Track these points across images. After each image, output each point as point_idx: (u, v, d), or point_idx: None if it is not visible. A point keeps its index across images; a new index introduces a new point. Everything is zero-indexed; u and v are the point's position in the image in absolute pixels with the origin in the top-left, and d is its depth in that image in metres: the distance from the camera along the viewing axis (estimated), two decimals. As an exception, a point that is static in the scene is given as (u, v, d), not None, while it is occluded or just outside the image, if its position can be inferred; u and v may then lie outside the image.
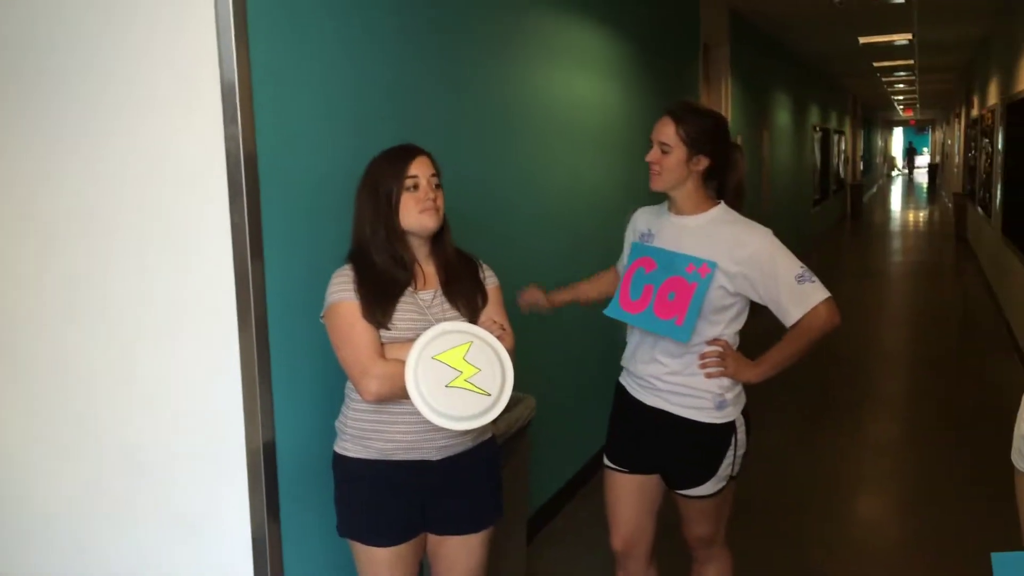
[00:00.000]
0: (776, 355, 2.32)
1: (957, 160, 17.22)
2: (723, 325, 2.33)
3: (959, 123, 16.72)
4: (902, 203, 25.63)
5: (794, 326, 2.27)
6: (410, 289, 2.08)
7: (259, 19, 2.09)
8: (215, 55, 2.03)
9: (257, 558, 2.17)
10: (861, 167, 23.33)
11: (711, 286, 2.26)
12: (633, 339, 2.47)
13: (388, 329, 2.03)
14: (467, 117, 3.16)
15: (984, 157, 10.54)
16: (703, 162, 2.30)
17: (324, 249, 2.27)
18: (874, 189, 28.48)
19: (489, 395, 1.95)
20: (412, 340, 2.00)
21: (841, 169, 18.48)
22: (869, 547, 3.71)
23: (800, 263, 2.29)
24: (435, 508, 2.16)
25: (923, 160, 40.20)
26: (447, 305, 2.11)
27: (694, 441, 2.37)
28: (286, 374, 2.19)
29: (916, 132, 43.53)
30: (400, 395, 1.98)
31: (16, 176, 2.30)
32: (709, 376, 2.32)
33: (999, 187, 8.57)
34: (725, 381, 2.35)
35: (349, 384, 2.12)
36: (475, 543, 2.22)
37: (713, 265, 2.24)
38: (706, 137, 2.29)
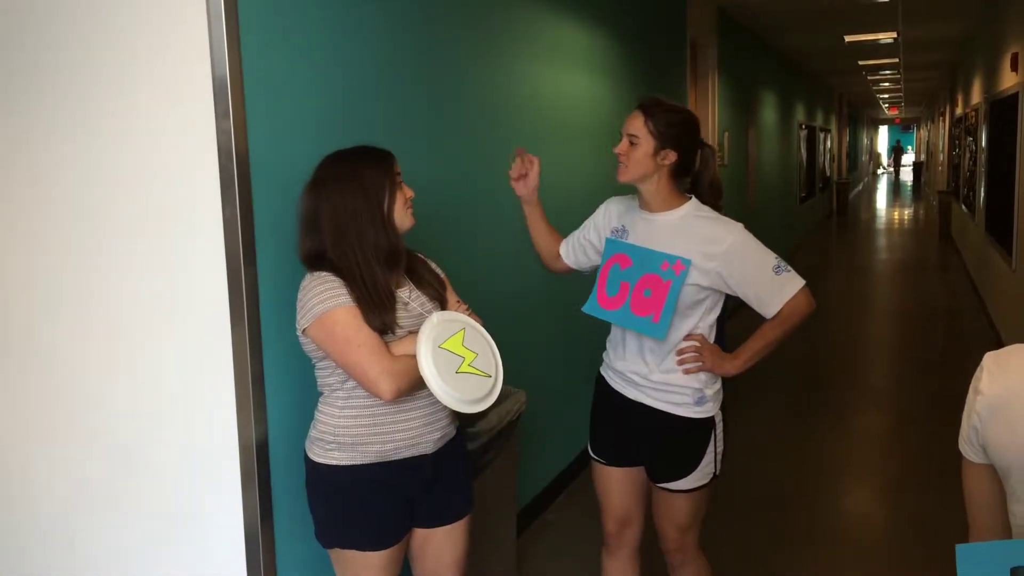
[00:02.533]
0: (754, 345, 2.34)
1: (942, 158, 17.32)
2: (697, 318, 2.35)
3: (944, 121, 16.83)
4: (887, 201, 25.77)
5: (773, 316, 2.30)
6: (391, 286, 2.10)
7: (250, 13, 2.09)
8: (207, 50, 2.03)
9: (250, 555, 2.17)
10: (847, 165, 23.44)
11: (685, 283, 2.27)
12: (616, 333, 2.48)
13: (394, 333, 2.03)
14: (457, 114, 3.17)
15: (968, 155, 10.62)
16: (671, 156, 2.30)
17: (316, 244, 2.28)
18: (860, 187, 28.62)
19: (490, 376, 2.07)
20: (403, 337, 2.04)
21: (827, 167, 18.57)
22: (855, 539, 3.75)
23: (774, 254, 2.31)
24: (423, 502, 2.17)
25: (908, 158, 40.41)
26: (424, 298, 2.14)
27: (674, 435, 2.39)
28: (278, 370, 2.19)
29: (901, 130, 43.77)
30: (415, 387, 2.01)
31: (6, 170, 2.29)
32: (687, 372, 2.34)
33: (982, 185, 8.64)
34: (704, 376, 2.36)
35: (330, 393, 2.09)
36: (459, 532, 2.24)
37: (687, 262, 2.25)
38: (674, 131, 2.29)
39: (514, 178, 2.51)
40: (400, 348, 2.02)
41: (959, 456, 1.55)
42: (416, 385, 2.01)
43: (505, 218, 3.51)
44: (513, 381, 2.91)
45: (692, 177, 2.40)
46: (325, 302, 1.97)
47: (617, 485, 2.53)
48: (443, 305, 2.19)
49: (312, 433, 2.11)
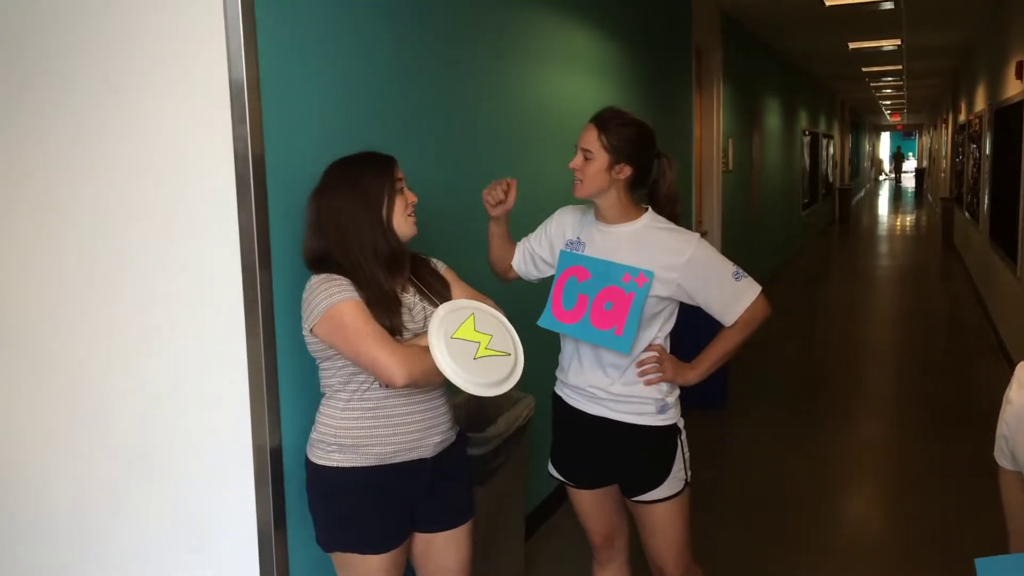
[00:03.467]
0: (714, 353, 2.35)
1: (944, 165, 17.32)
2: (657, 328, 2.34)
3: (946, 128, 16.83)
4: (889, 207, 25.77)
5: (732, 323, 2.31)
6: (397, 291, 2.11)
7: (267, 19, 2.11)
8: (224, 55, 2.04)
9: (263, 559, 2.18)
10: (849, 171, 23.43)
11: (647, 295, 2.25)
12: (568, 349, 2.44)
13: (401, 335, 2.04)
14: (469, 119, 3.18)
15: (971, 162, 10.62)
16: (626, 171, 2.27)
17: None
18: (862, 193, 28.62)
19: (509, 354, 2.07)
20: (410, 340, 2.04)
21: (830, 173, 18.56)
22: (858, 547, 3.74)
23: (731, 262, 2.32)
24: (424, 507, 2.17)
25: (909, 165, 40.37)
26: (426, 302, 2.15)
27: (641, 446, 2.36)
28: (292, 375, 2.20)
29: (903, 137, 43.76)
30: (429, 378, 2.00)
31: (25, 176, 2.30)
32: (649, 383, 2.32)
33: (986, 192, 8.65)
34: (665, 385, 2.35)
35: (332, 394, 2.09)
36: (462, 538, 2.24)
37: (650, 274, 2.23)
38: (629, 146, 2.27)
39: (492, 204, 2.46)
40: (411, 343, 2.03)
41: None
42: (430, 375, 1.99)
43: (514, 222, 3.52)
44: (521, 386, 2.92)
45: (648, 187, 2.39)
46: (332, 296, 1.97)
47: (593, 508, 2.51)
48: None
49: (313, 435, 2.12)
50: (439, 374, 1.99)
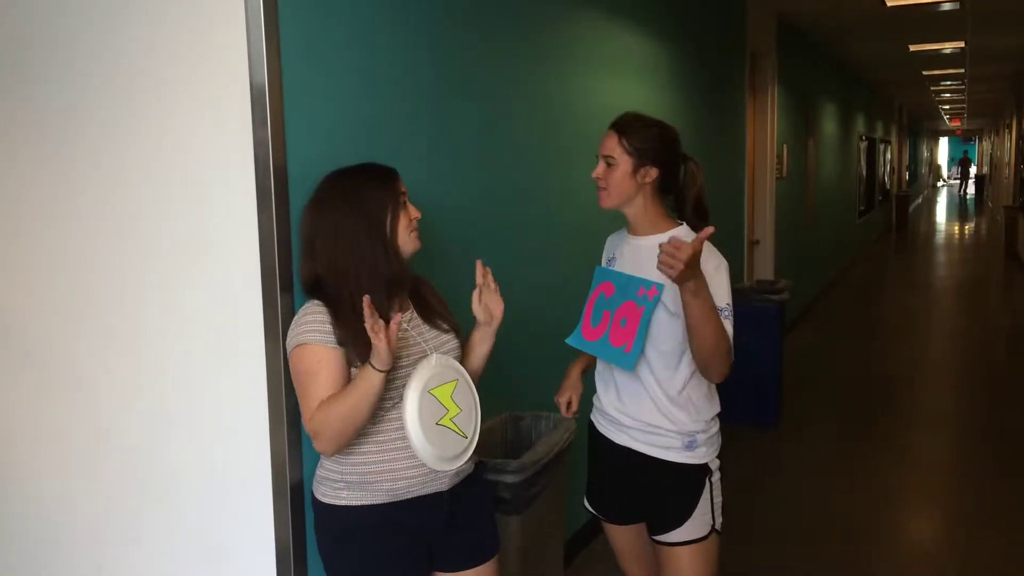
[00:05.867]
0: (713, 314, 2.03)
1: (1007, 172, 16.82)
2: (688, 356, 2.12)
3: (1010, 134, 16.33)
4: (948, 215, 25.19)
5: None
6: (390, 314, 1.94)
7: (291, 18, 1.99)
8: (245, 56, 1.94)
9: (281, 583, 2.07)
10: (907, 177, 22.92)
11: (657, 309, 2.09)
12: (598, 372, 2.33)
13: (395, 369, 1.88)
14: (508, 126, 3.05)
15: (1039, 169, 10.25)
16: (652, 173, 2.16)
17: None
18: (919, 200, 28.00)
19: (466, 437, 1.96)
20: (408, 367, 1.91)
21: (887, 179, 18.14)
22: (916, 572, 3.56)
23: (729, 298, 2.11)
24: (444, 544, 2.03)
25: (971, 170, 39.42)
26: (425, 327, 2.01)
27: (664, 481, 2.21)
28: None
29: (962, 142, 42.76)
30: (348, 436, 1.85)
31: (37, 180, 2.24)
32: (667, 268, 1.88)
33: (1056, 201, 8.30)
34: (697, 425, 2.18)
35: None
36: (491, 573, 2.10)
37: (660, 287, 2.06)
38: (653, 146, 2.16)
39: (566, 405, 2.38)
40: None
41: None
42: (350, 426, 1.83)
43: (558, 234, 3.38)
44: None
45: (675, 194, 2.24)
46: (299, 336, 1.86)
47: (626, 545, 2.39)
48: (455, 331, 2.06)
49: (319, 472, 1.99)
50: (352, 428, 1.83)
